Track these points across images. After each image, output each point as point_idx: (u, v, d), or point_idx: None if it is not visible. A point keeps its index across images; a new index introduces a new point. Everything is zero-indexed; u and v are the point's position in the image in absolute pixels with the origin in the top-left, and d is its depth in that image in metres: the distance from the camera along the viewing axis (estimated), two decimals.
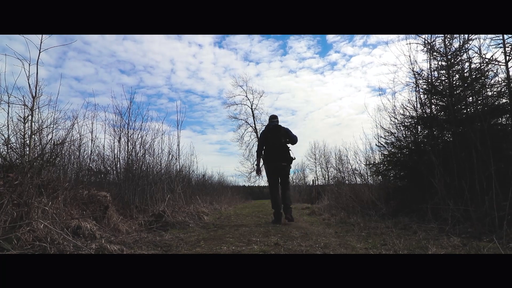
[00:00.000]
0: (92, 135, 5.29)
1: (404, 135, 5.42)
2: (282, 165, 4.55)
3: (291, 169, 4.73)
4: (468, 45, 4.31)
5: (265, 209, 8.60)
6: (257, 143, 6.70)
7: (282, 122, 5.13)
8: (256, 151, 4.86)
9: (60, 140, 3.72)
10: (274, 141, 4.56)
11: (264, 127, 5.19)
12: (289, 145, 4.68)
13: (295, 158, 4.67)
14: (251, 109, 28.46)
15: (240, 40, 34.81)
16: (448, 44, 4.60)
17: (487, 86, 4.11)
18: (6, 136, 3.21)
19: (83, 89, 26.20)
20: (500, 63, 3.90)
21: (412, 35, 4.99)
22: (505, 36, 3.80)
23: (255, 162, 5.04)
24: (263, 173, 4.95)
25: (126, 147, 5.40)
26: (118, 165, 5.32)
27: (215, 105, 37.71)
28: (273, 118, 4.99)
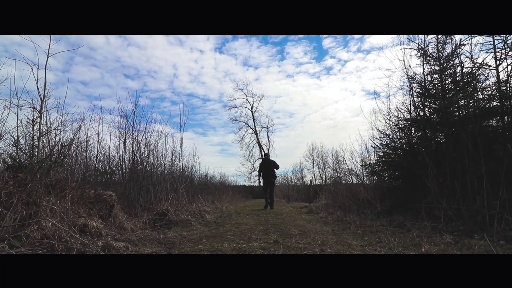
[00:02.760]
0: (98, 136, 5.42)
1: (398, 137, 5.57)
2: (270, 180, 8.42)
3: (277, 178, 8.91)
4: (460, 50, 4.44)
5: (266, 209, 8.74)
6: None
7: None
8: (258, 172, 8.89)
9: (68, 142, 3.81)
10: (268, 168, 8.44)
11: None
12: (275, 169, 8.61)
13: (278, 176, 9.04)
14: (251, 111, 28.92)
15: (240, 46, 35.37)
16: (441, 49, 4.73)
17: (478, 90, 4.24)
18: (15, 137, 3.30)
19: (89, 93, 26.45)
20: (490, 67, 4.03)
21: (406, 41, 5.15)
22: (496, 41, 3.93)
23: (258, 178, 8.82)
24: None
25: (131, 148, 5.54)
26: (123, 166, 5.46)
27: (216, 108, 38.19)
28: (266, 155, 9.46)
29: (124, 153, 5.48)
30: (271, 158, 9.08)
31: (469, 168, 3.58)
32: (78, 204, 3.37)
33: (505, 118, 3.91)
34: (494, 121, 4.15)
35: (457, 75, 4.52)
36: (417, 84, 5.16)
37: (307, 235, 3.54)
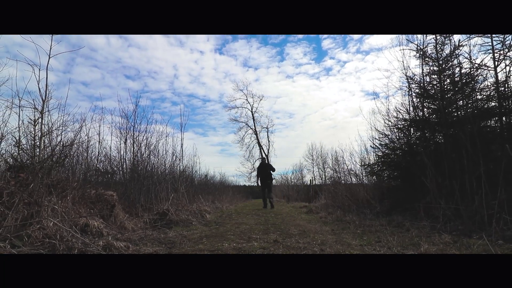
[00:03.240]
0: (99, 137, 5.46)
1: (397, 137, 5.59)
2: (267, 182, 9.14)
3: (273, 181, 9.60)
4: (459, 51, 4.45)
5: (265, 208, 8.80)
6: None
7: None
8: (256, 175, 9.63)
9: (69, 142, 3.83)
10: (265, 171, 9.21)
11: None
12: (271, 171, 9.42)
13: (274, 178, 10.17)
14: (251, 112, 28.97)
15: (240, 47, 35.67)
16: (440, 50, 4.75)
17: (476, 90, 4.26)
18: (17, 138, 3.32)
19: (90, 94, 26.66)
20: (489, 68, 4.05)
21: (405, 42, 5.18)
22: (494, 42, 3.95)
23: (256, 181, 9.58)
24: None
25: (132, 148, 5.59)
26: (124, 166, 5.50)
27: (216, 108, 38.52)
28: (263, 160, 10.80)
29: (125, 153, 5.55)
30: (270, 160, 10.86)
31: (467, 168, 3.60)
32: (79, 204, 3.39)
33: (504, 118, 3.93)
34: (493, 122, 4.17)
35: (456, 75, 4.54)
36: (416, 85, 5.19)
37: (307, 234, 3.56)
